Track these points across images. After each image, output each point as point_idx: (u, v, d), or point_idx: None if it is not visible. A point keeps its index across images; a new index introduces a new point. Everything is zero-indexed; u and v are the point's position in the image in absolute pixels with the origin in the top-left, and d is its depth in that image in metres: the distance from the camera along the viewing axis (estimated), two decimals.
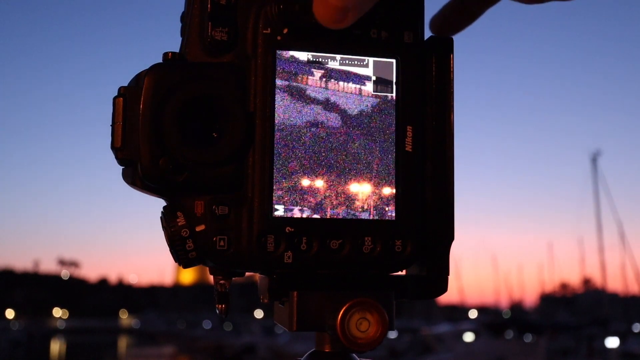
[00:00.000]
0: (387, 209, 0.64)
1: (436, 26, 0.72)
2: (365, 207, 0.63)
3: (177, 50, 0.62)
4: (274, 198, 0.61)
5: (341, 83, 0.64)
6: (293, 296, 0.62)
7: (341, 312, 0.60)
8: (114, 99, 0.59)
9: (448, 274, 0.67)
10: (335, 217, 0.63)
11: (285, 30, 0.62)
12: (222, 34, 0.61)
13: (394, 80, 0.65)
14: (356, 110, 0.64)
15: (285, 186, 0.62)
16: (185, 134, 0.59)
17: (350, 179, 0.63)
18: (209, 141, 0.60)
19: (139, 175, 0.59)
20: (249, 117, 0.61)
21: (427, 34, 0.67)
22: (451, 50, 0.68)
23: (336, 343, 0.62)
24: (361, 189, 0.63)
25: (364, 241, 0.63)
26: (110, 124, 0.59)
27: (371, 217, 0.63)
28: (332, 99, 0.64)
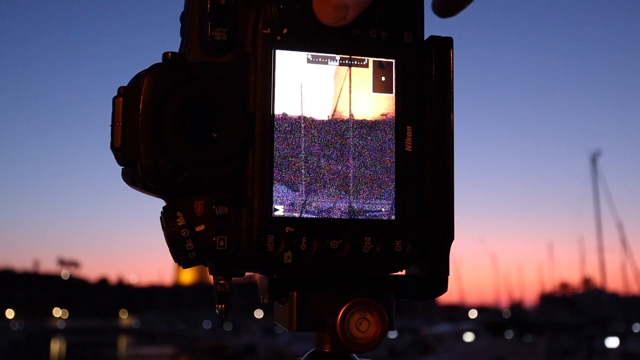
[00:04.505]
0: (386, 209, 0.64)
1: (438, 6, 0.70)
2: (365, 207, 0.63)
3: (177, 50, 0.62)
4: (273, 198, 0.61)
5: (341, 83, 0.64)
6: (293, 296, 0.62)
7: (341, 312, 0.59)
8: (114, 99, 0.59)
9: (448, 274, 0.67)
10: (335, 217, 0.62)
11: (285, 31, 0.62)
12: (221, 34, 0.61)
13: (394, 80, 0.65)
14: (356, 110, 0.64)
15: (285, 186, 0.62)
16: (185, 134, 0.59)
17: (350, 179, 0.63)
18: (209, 141, 0.60)
19: (138, 175, 0.59)
20: (249, 117, 0.61)
21: (427, 33, 0.67)
22: (451, 50, 0.68)
23: (336, 343, 0.62)
24: (361, 189, 0.63)
25: (364, 241, 0.63)
26: (110, 124, 0.59)
27: (371, 217, 0.63)
28: (332, 99, 0.63)
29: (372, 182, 0.64)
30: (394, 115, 0.64)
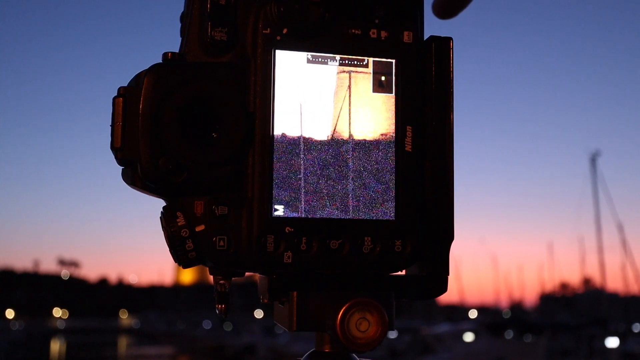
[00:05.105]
0: (386, 209, 0.64)
1: (438, 7, 0.70)
2: (365, 207, 0.63)
3: (177, 50, 0.62)
4: (273, 198, 0.61)
5: (340, 83, 0.64)
6: (293, 296, 0.62)
7: (341, 312, 0.59)
8: (114, 99, 0.59)
9: (448, 274, 0.67)
10: (334, 217, 0.62)
11: (285, 31, 0.62)
12: (221, 34, 0.61)
13: (394, 81, 0.65)
14: (356, 110, 0.64)
15: (285, 186, 0.62)
16: (185, 134, 0.59)
17: (350, 179, 0.63)
18: (209, 141, 0.60)
19: (138, 175, 0.59)
20: (248, 117, 0.61)
21: (427, 33, 0.67)
22: (451, 50, 0.68)
23: (336, 343, 0.62)
24: (361, 189, 0.63)
25: (364, 241, 0.63)
26: (110, 124, 0.59)
27: (371, 217, 0.63)
28: (332, 99, 0.63)
29: (372, 182, 0.63)
30: (394, 115, 0.64)
